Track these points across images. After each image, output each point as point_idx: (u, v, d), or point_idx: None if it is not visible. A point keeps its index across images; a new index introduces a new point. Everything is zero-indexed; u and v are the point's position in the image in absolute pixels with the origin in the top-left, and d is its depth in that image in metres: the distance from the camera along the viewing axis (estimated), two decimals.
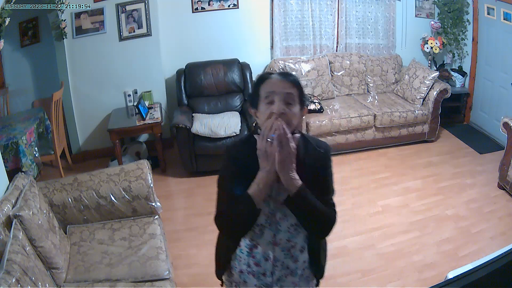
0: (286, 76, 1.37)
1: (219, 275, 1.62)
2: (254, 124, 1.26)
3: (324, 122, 4.19)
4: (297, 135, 1.41)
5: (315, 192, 1.37)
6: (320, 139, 1.52)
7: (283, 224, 1.41)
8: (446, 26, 4.91)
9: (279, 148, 1.27)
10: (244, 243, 1.46)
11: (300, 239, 1.46)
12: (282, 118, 1.30)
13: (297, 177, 1.31)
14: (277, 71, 1.44)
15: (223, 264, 1.55)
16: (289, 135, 1.27)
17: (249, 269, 1.47)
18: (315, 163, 1.40)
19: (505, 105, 4.46)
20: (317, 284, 1.63)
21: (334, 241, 3.05)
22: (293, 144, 1.28)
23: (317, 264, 1.53)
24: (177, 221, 3.41)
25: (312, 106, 4.26)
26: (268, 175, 1.29)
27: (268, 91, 1.34)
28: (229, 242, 1.51)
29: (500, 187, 3.69)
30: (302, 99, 1.37)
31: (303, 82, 4.68)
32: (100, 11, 4.02)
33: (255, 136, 1.30)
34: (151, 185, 2.68)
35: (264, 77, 1.39)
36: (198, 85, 4.34)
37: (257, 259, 1.45)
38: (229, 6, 4.52)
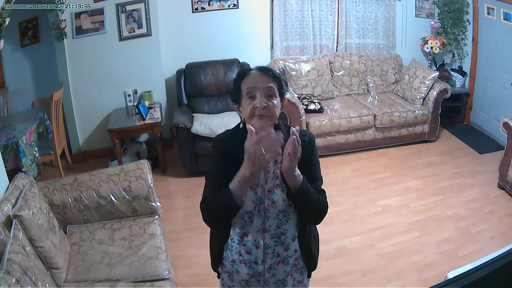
0: (265, 71, 1.42)
1: (214, 267, 1.65)
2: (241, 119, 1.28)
3: (324, 122, 4.19)
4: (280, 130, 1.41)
5: (309, 181, 1.41)
6: (316, 137, 1.52)
7: (271, 211, 1.44)
8: (446, 26, 4.91)
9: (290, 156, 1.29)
10: (235, 232, 1.49)
11: (290, 226, 1.49)
12: (264, 112, 1.35)
13: (299, 172, 1.35)
14: (255, 66, 1.45)
15: (217, 255, 1.59)
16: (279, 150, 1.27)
17: (241, 258, 1.50)
18: (302, 152, 1.39)
19: (505, 105, 4.46)
20: (309, 276, 1.66)
21: (334, 241, 3.05)
22: (296, 151, 1.30)
23: (308, 254, 1.56)
24: (177, 221, 3.41)
25: (312, 106, 4.26)
26: (252, 176, 1.31)
27: (249, 87, 1.39)
28: (215, 231, 1.55)
29: (500, 187, 3.69)
30: (282, 91, 1.43)
31: (303, 82, 4.72)
32: (100, 11, 4.02)
33: (247, 127, 1.32)
34: (151, 185, 2.68)
35: (244, 73, 1.44)
36: (198, 85, 4.34)
37: (248, 247, 1.48)
38: (229, 6, 4.52)
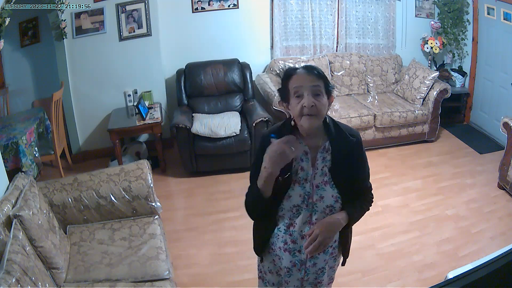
0: (311, 69, 1.45)
1: (258, 252, 1.72)
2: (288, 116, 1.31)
3: None
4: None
5: (357, 180, 1.55)
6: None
7: (319, 205, 1.51)
8: (446, 26, 4.91)
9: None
10: (282, 222, 1.56)
11: None
12: (312, 111, 1.40)
13: (339, 218, 1.49)
14: (301, 65, 1.49)
15: (262, 242, 1.66)
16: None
17: (286, 246, 1.58)
18: (351, 152, 1.52)
19: (505, 105, 4.46)
20: (344, 263, 1.77)
21: None
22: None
23: (345, 243, 1.67)
24: (177, 221, 3.41)
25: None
26: (269, 176, 1.39)
27: (296, 86, 1.43)
28: (263, 222, 1.62)
29: (500, 187, 3.69)
30: (328, 89, 1.46)
31: None
32: (100, 11, 4.02)
33: (271, 138, 1.41)
34: (151, 185, 2.68)
35: (290, 73, 1.47)
36: (198, 85, 4.34)
37: (294, 237, 1.55)
38: (229, 6, 4.52)
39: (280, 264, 1.64)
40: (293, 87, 1.43)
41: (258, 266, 1.79)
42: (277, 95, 1.55)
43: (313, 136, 1.50)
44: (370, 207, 1.65)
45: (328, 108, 1.47)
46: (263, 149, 1.44)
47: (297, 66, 1.49)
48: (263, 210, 1.51)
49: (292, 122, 1.52)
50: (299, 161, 1.49)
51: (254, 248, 1.73)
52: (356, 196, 1.57)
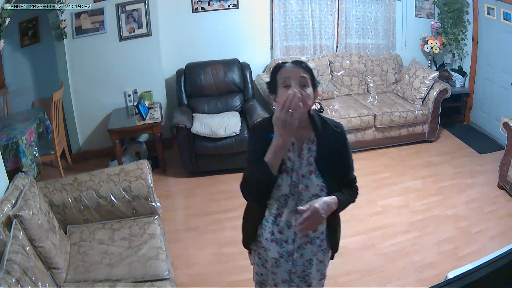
0: (298, 63, 1.55)
1: (246, 244, 1.80)
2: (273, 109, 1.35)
3: None
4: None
5: (342, 171, 1.61)
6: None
7: (305, 194, 1.56)
8: (446, 26, 4.91)
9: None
10: (270, 213, 1.61)
11: None
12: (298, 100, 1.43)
13: (331, 201, 1.50)
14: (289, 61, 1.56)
15: (251, 233, 1.72)
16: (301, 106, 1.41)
17: (273, 237, 1.62)
18: (336, 143, 1.59)
19: (505, 105, 4.46)
20: (332, 257, 1.82)
21: None
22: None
23: (333, 236, 1.72)
24: (177, 221, 3.41)
25: (312, 106, 4.25)
26: (284, 142, 1.43)
27: (284, 77, 1.51)
28: (253, 208, 1.67)
29: (500, 187, 3.69)
30: (314, 82, 1.55)
31: None
32: (100, 11, 4.02)
33: (274, 105, 1.48)
34: (151, 185, 2.68)
35: (279, 66, 1.56)
36: (198, 85, 4.34)
37: (281, 227, 1.60)
38: (229, 6, 4.52)
39: (266, 257, 1.70)
40: (281, 78, 1.51)
41: (251, 259, 1.87)
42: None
43: (299, 128, 1.52)
44: (356, 199, 1.70)
45: (314, 101, 1.55)
46: (257, 136, 1.58)
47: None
48: (264, 191, 1.53)
49: None
50: (286, 151, 1.55)
51: (243, 241, 1.80)
52: (342, 187, 1.63)
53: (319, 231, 1.64)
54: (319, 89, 1.65)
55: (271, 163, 1.45)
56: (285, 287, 1.72)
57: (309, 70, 1.53)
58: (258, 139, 1.58)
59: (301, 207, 1.46)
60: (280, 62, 1.57)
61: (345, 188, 1.63)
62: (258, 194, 1.55)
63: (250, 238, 1.74)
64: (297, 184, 1.56)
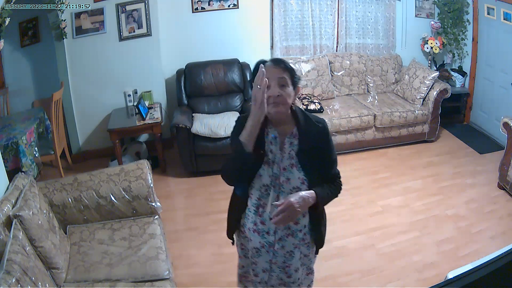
0: (278, 63, 1.57)
1: (230, 234, 1.86)
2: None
3: None
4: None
5: (324, 165, 1.64)
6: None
7: (286, 186, 1.61)
8: (446, 26, 4.91)
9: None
10: (252, 202, 1.66)
11: None
12: (278, 100, 1.52)
13: (308, 195, 1.55)
14: (270, 59, 1.61)
15: (234, 223, 1.78)
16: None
17: (255, 227, 1.68)
18: (317, 138, 1.62)
19: (505, 105, 4.45)
20: (317, 252, 1.84)
21: (334, 241, 3.05)
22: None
23: (316, 230, 1.73)
24: (177, 221, 3.41)
25: (312, 106, 4.26)
26: (257, 122, 1.49)
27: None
28: (237, 196, 1.73)
29: (500, 187, 3.69)
30: (294, 80, 1.58)
31: (303, 82, 4.72)
32: (100, 11, 4.02)
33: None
34: (151, 185, 2.68)
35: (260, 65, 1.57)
36: (198, 85, 4.34)
37: (264, 218, 1.65)
38: (229, 6, 4.52)
39: (248, 247, 1.76)
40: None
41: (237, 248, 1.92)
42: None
43: (282, 123, 1.62)
44: (339, 193, 1.73)
45: (294, 98, 1.60)
46: (234, 128, 1.64)
47: (266, 60, 1.60)
48: (240, 171, 1.58)
49: None
50: (269, 144, 1.62)
51: (227, 231, 1.86)
52: (325, 181, 1.67)
53: (301, 224, 1.67)
54: (301, 84, 1.70)
55: (245, 141, 1.51)
56: (265, 276, 1.77)
57: (288, 69, 1.56)
58: (238, 130, 1.63)
59: (276, 202, 1.53)
60: (261, 60, 1.60)
61: (328, 182, 1.68)
62: (237, 174, 1.62)
63: (234, 227, 1.80)
64: (279, 176, 1.61)
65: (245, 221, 1.72)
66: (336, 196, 1.71)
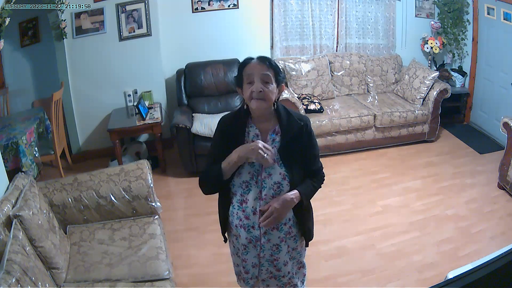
0: (263, 60, 1.61)
1: (223, 232, 1.89)
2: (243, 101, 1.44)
3: (324, 122, 4.19)
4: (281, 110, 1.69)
5: (306, 161, 1.68)
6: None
7: (267, 182, 1.64)
8: (446, 26, 4.91)
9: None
10: (235, 199, 1.70)
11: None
12: (260, 95, 1.56)
13: (292, 196, 1.62)
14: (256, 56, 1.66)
15: (223, 222, 1.81)
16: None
17: (241, 223, 1.71)
18: (299, 135, 1.65)
19: (505, 105, 4.46)
20: (307, 245, 1.88)
21: (334, 241, 3.05)
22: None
23: (302, 223, 1.76)
24: (177, 221, 3.41)
25: (312, 106, 4.26)
26: (247, 155, 1.57)
27: (248, 73, 1.60)
28: (221, 195, 1.78)
29: (500, 187, 3.69)
30: (278, 78, 1.62)
31: (303, 82, 4.72)
32: (100, 11, 4.02)
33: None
34: (151, 185, 2.69)
35: (245, 62, 1.64)
36: (198, 85, 4.34)
37: (247, 213, 1.68)
38: (229, 6, 4.52)
39: (238, 244, 1.79)
40: (246, 73, 1.60)
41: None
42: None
43: (265, 120, 1.67)
44: (322, 185, 1.79)
45: (278, 95, 1.64)
46: (220, 132, 1.69)
47: (253, 57, 1.65)
48: (217, 187, 1.71)
49: (245, 106, 1.67)
50: (251, 142, 1.64)
51: (221, 231, 1.89)
52: (307, 175, 1.71)
53: (285, 218, 1.69)
54: (284, 83, 1.75)
55: (225, 171, 1.60)
56: (256, 271, 1.80)
57: (273, 67, 1.60)
58: (219, 134, 1.71)
59: (261, 208, 1.61)
60: (247, 57, 1.64)
61: (312, 176, 1.73)
62: (211, 189, 1.73)
63: (224, 225, 1.83)
64: (260, 172, 1.64)
65: (232, 218, 1.75)
66: (320, 187, 1.77)
